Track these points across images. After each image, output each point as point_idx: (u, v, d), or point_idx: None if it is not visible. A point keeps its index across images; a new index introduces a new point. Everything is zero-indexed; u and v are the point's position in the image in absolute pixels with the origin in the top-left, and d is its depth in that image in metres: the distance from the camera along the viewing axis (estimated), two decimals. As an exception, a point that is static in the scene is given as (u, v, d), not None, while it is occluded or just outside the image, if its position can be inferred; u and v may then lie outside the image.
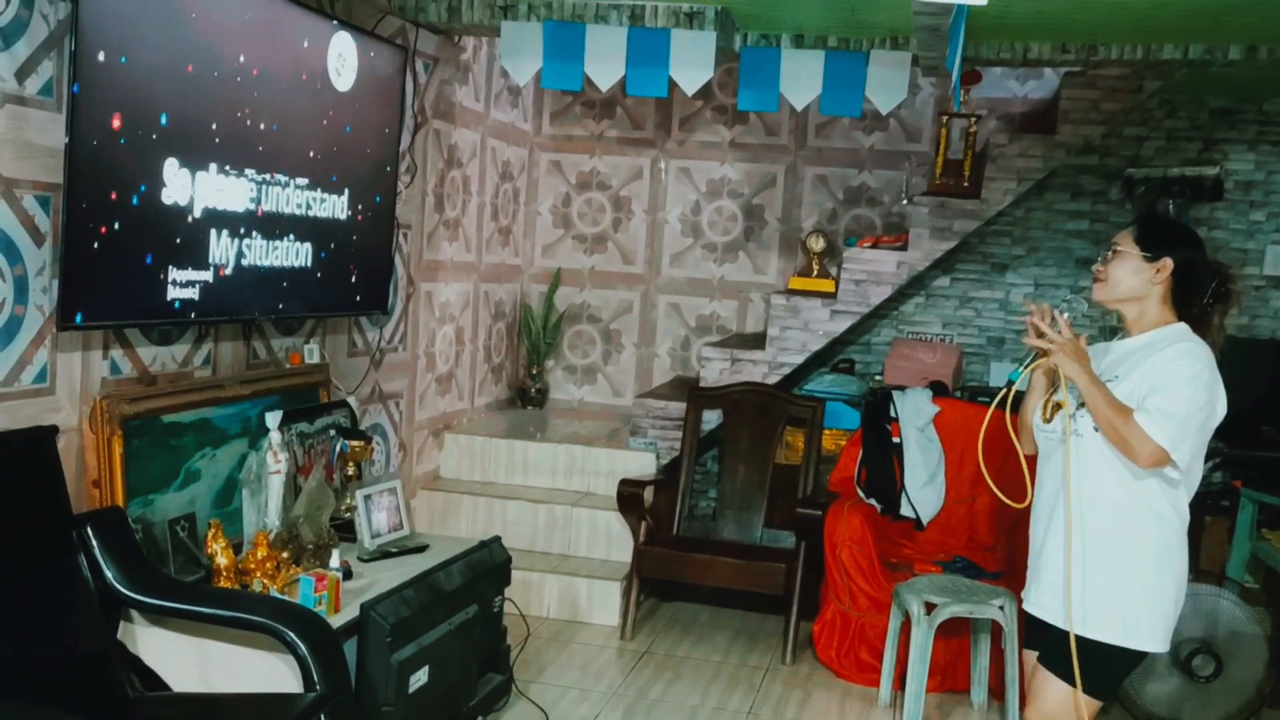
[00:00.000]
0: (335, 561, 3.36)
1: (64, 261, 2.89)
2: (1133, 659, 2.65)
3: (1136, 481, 2.60)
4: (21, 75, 2.87)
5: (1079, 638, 2.60)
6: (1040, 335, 2.65)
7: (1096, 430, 2.62)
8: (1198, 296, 2.68)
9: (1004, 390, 2.76)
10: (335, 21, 3.93)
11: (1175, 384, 2.54)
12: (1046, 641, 2.71)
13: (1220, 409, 2.60)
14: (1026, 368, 2.74)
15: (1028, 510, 2.84)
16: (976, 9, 3.68)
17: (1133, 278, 2.67)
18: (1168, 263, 2.64)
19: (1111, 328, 4.91)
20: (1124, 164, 5.65)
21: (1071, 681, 2.62)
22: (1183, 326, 2.66)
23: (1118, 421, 2.54)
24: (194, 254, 3.32)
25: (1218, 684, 3.89)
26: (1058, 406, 2.72)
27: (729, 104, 6.22)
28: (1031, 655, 2.80)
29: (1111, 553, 2.61)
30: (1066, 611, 2.62)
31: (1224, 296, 2.69)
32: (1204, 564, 5.07)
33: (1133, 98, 4.98)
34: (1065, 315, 2.67)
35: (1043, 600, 2.73)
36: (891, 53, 4.53)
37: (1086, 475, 2.64)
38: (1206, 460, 5.09)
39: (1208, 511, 5.19)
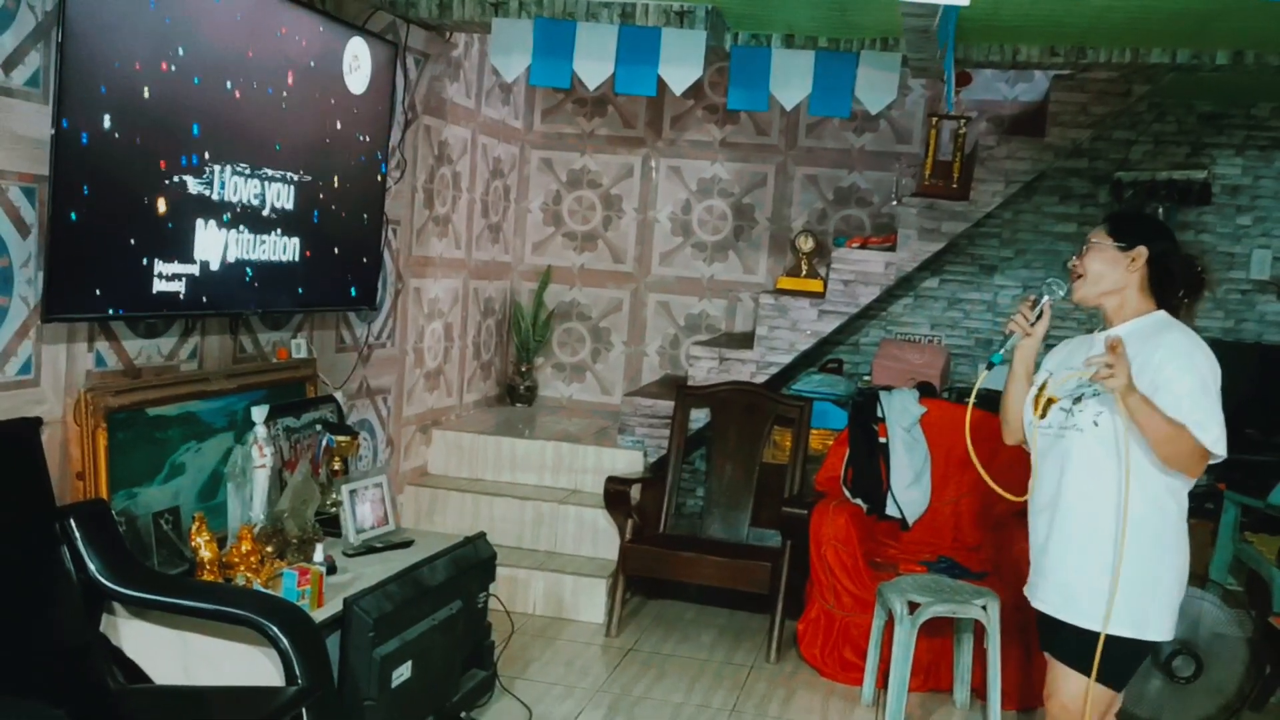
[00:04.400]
0: (319, 556, 3.36)
1: (49, 253, 2.89)
2: (1144, 649, 2.69)
3: (1140, 475, 2.61)
4: (8, 66, 2.87)
5: (1092, 632, 2.62)
6: (1024, 323, 2.74)
7: (1096, 425, 2.63)
8: (1175, 286, 2.74)
9: (983, 371, 2.83)
10: (341, 22, 3.93)
11: (1208, 386, 2.58)
12: (1059, 636, 2.73)
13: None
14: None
15: (1013, 508, 2.84)
16: (965, 11, 3.70)
17: (1110, 269, 2.71)
18: (1142, 250, 2.69)
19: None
20: (1112, 167, 5.68)
21: (1086, 672, 2.64)
22: (1164, 314, 2.72)
23: (1176, 437, 2.54)
24: (181, 247, 3.32)
25: (1198, 685, 3.91)
26: (1050, 402, 2.73)
27: (720, 103, 6.23)
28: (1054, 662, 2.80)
29: (1118, 547, 2.61)
30: (1095, 609, 2.63)
31: (1198, 286, 2.79)
32: (1188, 566, 5.09)
33: (1121, 101, 5.00)
34: (1046, 299, 2.75)
35: (1050, 597, 2.75)
36: (881, 54, 4.54)
37: (1090, 471, 2.66)
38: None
39: (1192, 514, 5.18)
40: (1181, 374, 2.58)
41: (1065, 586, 2.71)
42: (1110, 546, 2.63)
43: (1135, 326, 2.70)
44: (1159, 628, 2.66)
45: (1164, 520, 2.64)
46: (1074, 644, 2.69)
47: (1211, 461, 2.60)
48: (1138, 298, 2.72)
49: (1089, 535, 2.67)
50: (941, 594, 4.02)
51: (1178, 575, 2.68)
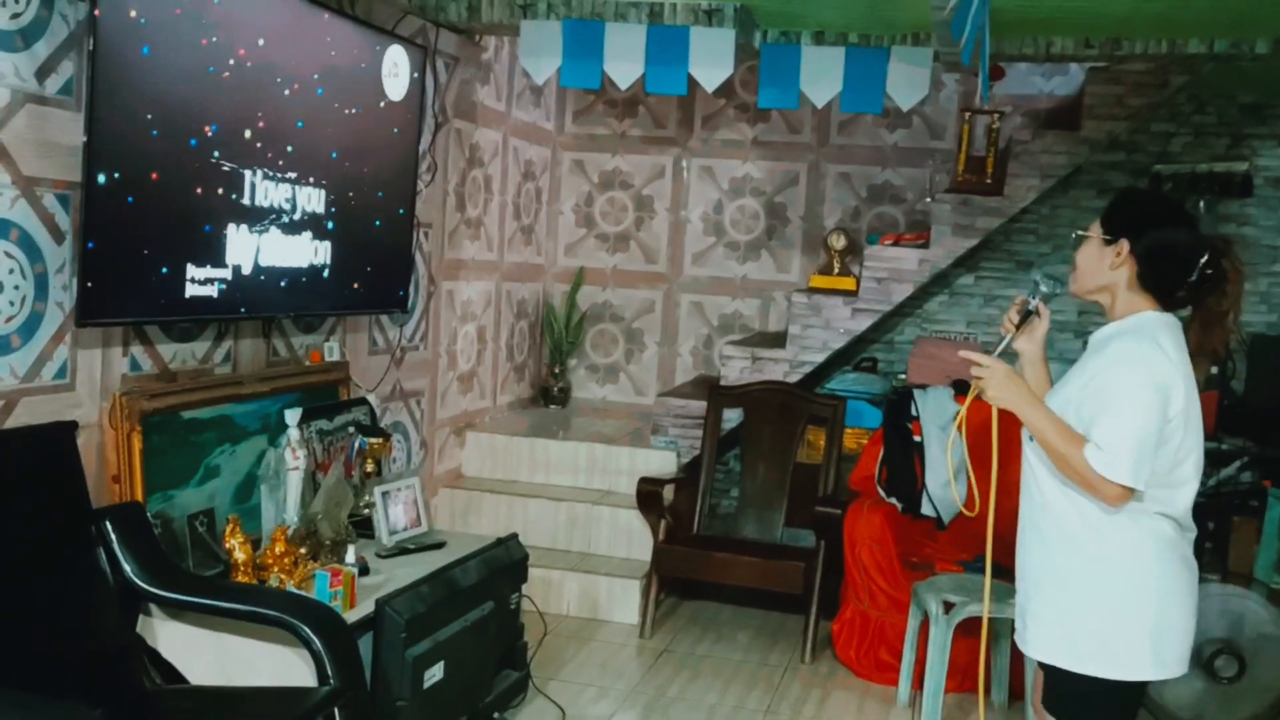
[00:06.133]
0: (352, 557, 3.38)
1: (83, 259, 2.92)
2: (1129, 690, 2.35)
3: (1069, 490, 2.34)
4: (42, 75, 2.91)
5: (1064, 672, 2.36)
6: (1009, 324, 2.48)
7: (1032, 440, 2.39)
8: (1180, 279, 2.36)
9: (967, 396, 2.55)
10: (380, 30, 3.96)
11: (1120, 403, 2.24)
12: (1044, 682, 2.48)
13: (1176, 403, 2.26)
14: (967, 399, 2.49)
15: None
16: (998, 3, 3.65)
17: (1095, 264, 2.41)
18: (1124, 244, 2.35)
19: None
20: (1151, 160, 5.58)
21: None
22: (1145, 317, 2.36)
23: (1070, 456, 2.26)
24: (213, 251, 3.35)
25: (1242, 685, 3.83)
26: None
27: (751, 102, 6.20)
28: None
29: (1077, 571, 2.35)
30: (1044, 639, 2.41)
31: (1218, 276, 2.35)
32: (1232, 565, 4.99)
33: (1159, 93, 4.92)
34: (1036, 300, 2.46)
35: (1019, 627, 2.53)
36: (913, 49, 4.49)
37: (1042, 488, 2.40)
38: (1234, 459, 5.06)
39: (1236, 512, 5.11)
40: (1105, 385, 2.28)
41: (1021, 614, 2.49)
42: (1047, 571, 2.40)
43: (1116, 329, 2.39)
44: (1140, 665, 2.31)
45: (1108, 542, 2.31)
46: (1055, 689, 2.41)
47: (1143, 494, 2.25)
48: (1128, 296, 2.38)
49: (1048, 559, 2.41)
50: (977, 594, 3.96)
51: (1157, 603, 2.31)
